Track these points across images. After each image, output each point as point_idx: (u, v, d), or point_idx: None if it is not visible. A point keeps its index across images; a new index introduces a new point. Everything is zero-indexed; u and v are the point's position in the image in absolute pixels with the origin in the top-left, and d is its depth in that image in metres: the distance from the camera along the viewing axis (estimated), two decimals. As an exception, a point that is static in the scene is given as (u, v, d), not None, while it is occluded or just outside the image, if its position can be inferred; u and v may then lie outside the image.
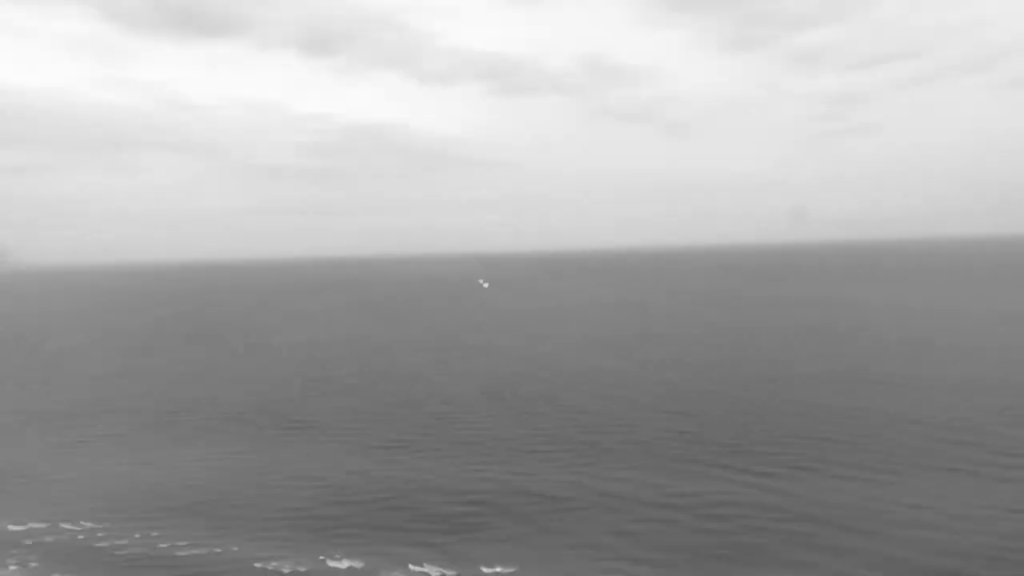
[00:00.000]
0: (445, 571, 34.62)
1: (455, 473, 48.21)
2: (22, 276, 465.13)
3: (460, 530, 39.28)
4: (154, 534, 39.66)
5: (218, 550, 37.51)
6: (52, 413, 69.63)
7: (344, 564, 35.62)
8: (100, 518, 42.06)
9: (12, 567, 36.33)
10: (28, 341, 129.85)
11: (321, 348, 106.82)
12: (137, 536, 39.54)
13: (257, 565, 35.63)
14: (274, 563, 35.73)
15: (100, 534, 39.98)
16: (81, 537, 39.81)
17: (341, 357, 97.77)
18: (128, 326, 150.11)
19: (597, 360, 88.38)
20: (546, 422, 60.18)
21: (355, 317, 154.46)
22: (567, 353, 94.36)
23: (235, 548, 37.58)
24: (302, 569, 35.16)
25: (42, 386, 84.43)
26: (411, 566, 35.17)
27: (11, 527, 41.56)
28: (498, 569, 34.48)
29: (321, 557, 36.29)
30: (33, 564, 36.52)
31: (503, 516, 40.93)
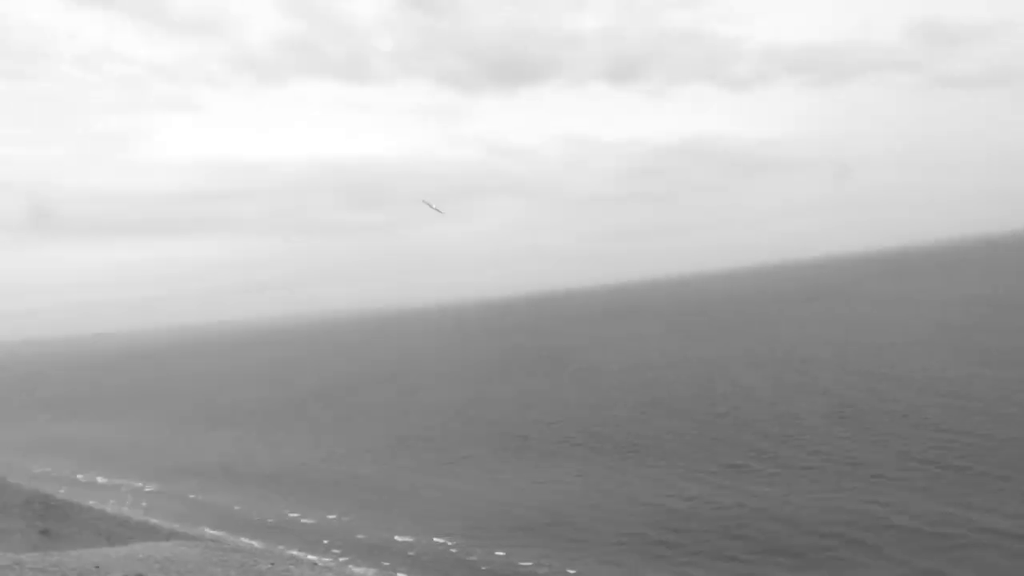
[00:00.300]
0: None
1: (799, 500, 43.90)
2: (390, 319, 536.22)
3: (807, 565, 35.46)
4: (499, 553, 42.00)
5: (556, 569, 38.45)
6: (418, 437, 78.38)
7: (681, 593, 34.17)
8: (456, 533, 45.79)
9: (385, 573, 41.09)
10: (398, 374, 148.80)
11: (650, 370, 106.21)
12: (484, 552, 42.24)
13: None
14: (611, 587, 35.54)
15: (455, 548, 43.52)
16: (439, 550, 43.72)
17: (671, 379, 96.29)
18: (479, 357, 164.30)
19: (961, 369, 75.32)
20: (903, 443, 52.28)
21: (682, 337, 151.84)
22: (919, 363, 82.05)
23: (572, 571, 38.19)
24: (638, 595, 34.46)
25: (408, 414, 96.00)
26: (753, 601, 32.49)
27: (382, 535, 47.25)
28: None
29: (656, 584, 35.28)
30: (400, 573, 40.89)
31: (858, 551, 36.10)
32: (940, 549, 35.01)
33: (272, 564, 26.97)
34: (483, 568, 40.27)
